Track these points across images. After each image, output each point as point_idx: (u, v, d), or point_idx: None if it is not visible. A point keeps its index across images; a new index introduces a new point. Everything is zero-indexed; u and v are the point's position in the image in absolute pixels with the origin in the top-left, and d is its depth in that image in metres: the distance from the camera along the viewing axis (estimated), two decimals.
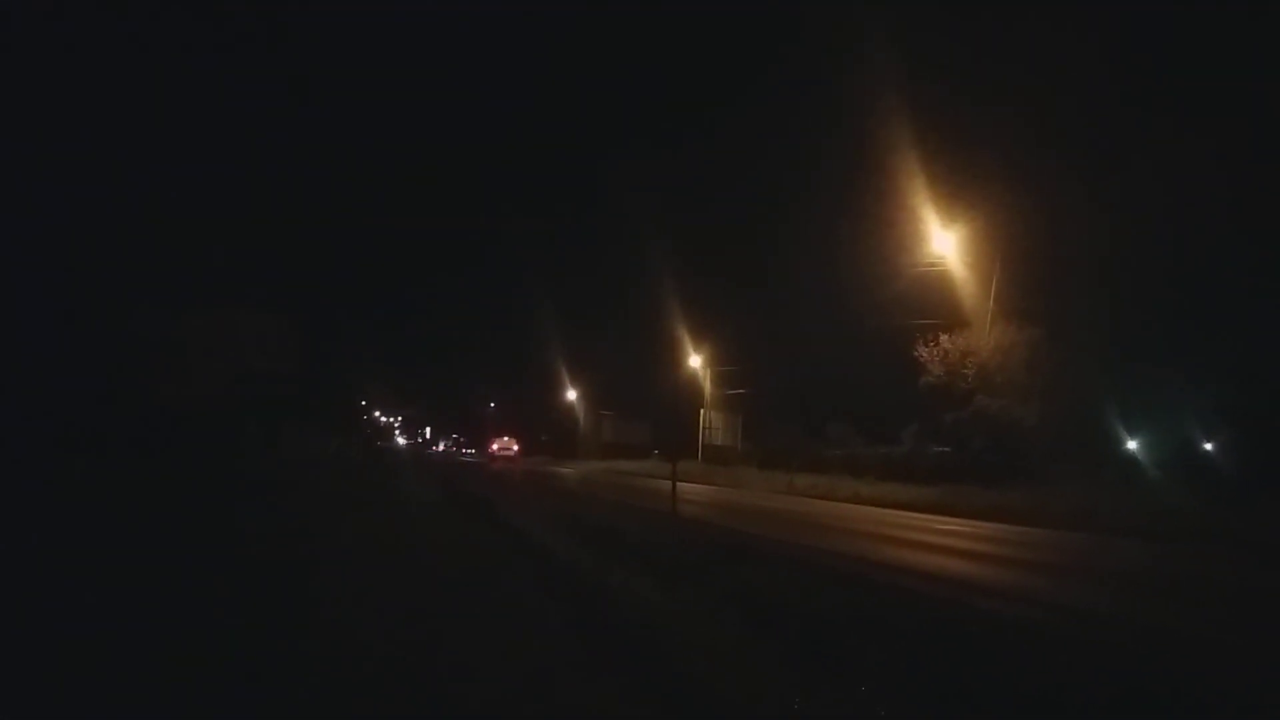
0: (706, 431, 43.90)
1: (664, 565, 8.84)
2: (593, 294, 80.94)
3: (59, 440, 18.80)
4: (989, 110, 25.94)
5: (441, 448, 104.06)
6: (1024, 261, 24.76)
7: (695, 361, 44.62)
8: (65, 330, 21.70)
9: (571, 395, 64.65)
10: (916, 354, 28.13)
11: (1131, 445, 30.45)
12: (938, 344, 27.58)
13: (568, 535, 11.55)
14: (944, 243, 25.35)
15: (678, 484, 14.35)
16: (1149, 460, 28.15)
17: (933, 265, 25.83)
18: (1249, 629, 7.42)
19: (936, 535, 15.08)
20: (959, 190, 24.08)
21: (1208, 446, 29.33)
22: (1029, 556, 12.63)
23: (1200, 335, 28.18)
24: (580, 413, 64.89)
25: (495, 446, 64.12)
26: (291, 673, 5.05)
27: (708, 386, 44.51)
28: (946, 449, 29.04)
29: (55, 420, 19.64)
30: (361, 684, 4.89)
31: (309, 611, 6.68)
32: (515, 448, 63.35)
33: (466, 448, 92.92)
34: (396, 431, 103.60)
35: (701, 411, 43.42)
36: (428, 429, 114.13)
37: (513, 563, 9.65)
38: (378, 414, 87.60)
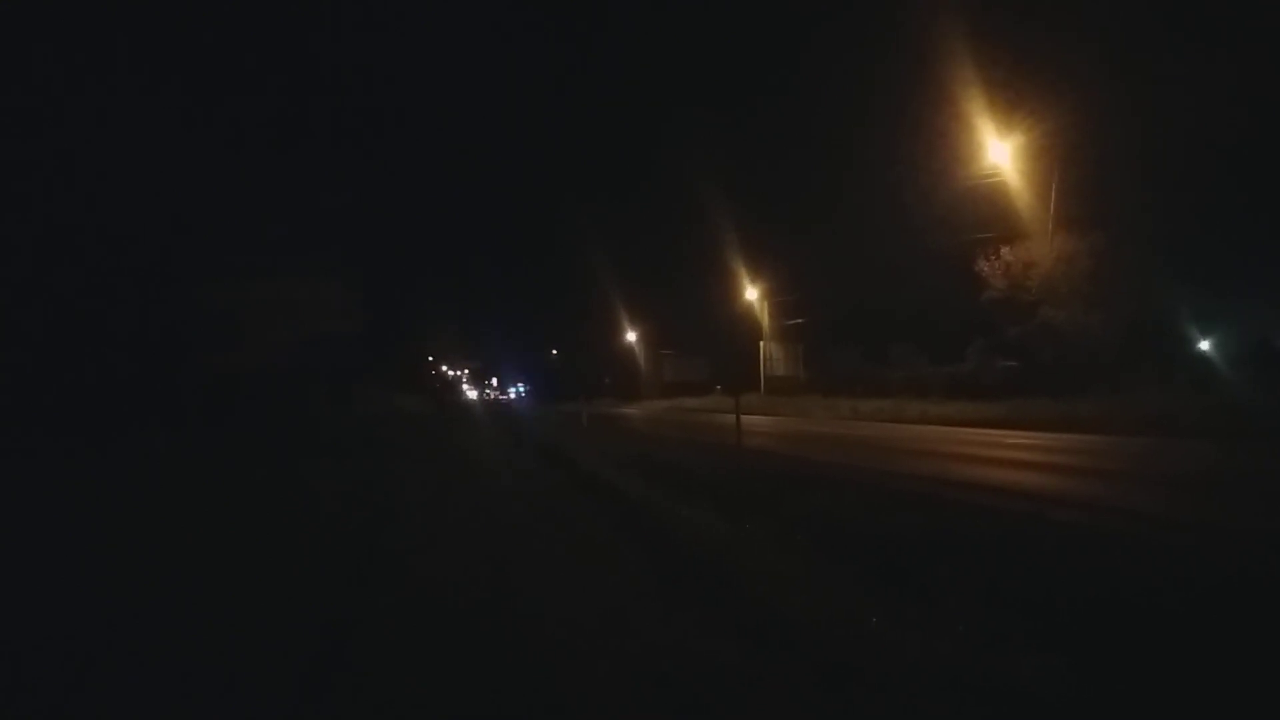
0: (767, 363, 43.86)
1: (733, 497, 8.89)
2: (650, 233, 79.79)
3: (130, 414, 19.67)
4: (1036, 14, 24.80)
5: (512, 396, 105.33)
6: (1081, 167, 23.93)
7: (752, 294, 44.49)
8: (131, 308, 22.54)
9: (631, 337, 65.05)
10: (978, 269, 27.67)
11: (1204, 346, 29.67)
12: (999, 257, 27.06)
13: (637, 473, 11.67)
14: (1001, 153, 24.65)
15: (741, 417, 14.49)
16: (1222, 360, 27.45)
17: (990, 177, 25.17)
18: None
19: (1006, 450, 14.97)
20: (1013, 99, 23.27)
21: None
22: (1099, 465, 12.57)
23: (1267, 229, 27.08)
24: (640, 354, 65.30)
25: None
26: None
27: (766, 318, 44.35)
28: (1013, 363, 28.73)
29: (125, 395, 20.51)
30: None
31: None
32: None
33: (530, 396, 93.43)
34: (465, 385, 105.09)
35: (761, 343, 43.35)
36: (494, 380, 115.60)
37: (582, 503, 9.82)
38: (445, 368, 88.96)
